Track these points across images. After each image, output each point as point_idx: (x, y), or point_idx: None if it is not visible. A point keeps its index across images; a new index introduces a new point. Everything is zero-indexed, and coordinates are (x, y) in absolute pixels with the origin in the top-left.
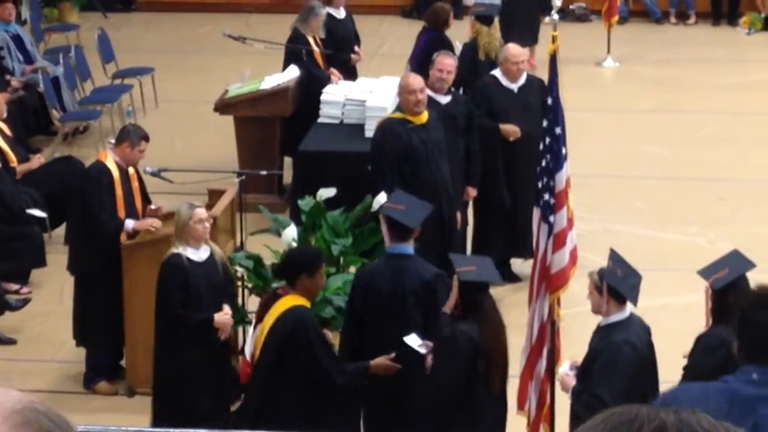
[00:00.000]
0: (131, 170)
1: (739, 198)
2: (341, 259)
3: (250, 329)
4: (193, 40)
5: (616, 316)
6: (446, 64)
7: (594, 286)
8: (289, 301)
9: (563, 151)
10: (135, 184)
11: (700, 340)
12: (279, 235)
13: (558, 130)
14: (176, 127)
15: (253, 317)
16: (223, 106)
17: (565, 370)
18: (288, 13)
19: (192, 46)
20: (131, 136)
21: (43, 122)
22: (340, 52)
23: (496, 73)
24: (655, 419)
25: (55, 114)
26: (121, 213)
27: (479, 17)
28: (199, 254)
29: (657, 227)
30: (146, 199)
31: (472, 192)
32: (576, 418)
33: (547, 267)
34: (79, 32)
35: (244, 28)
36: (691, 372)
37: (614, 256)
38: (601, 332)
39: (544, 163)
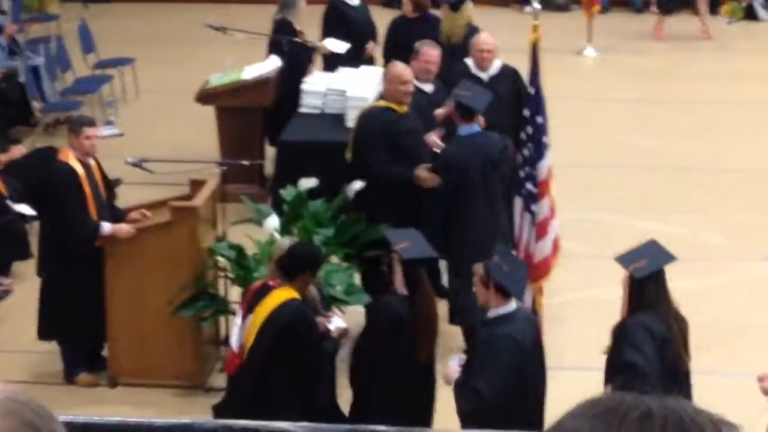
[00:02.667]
0: (92, 162)
1: (721, 187)
2: (323, 249)
3: (237, 320)
4: (173, 31)
5: (502, 310)
6: (432, 55)
7: (480, 280)
8: (284, 293)
9: (545, 140)
10: (98, 176)
11: (622, 329)
12: (261, 225)
13: (540, 120)
14: (157, 117)
15: (237, 308)
16: (205, 97)
17: (453, 363)
18: (269, 3)
19: (173, 37)
20: (72, 126)
21: (23, 113)
22: (356, 41)
23: (468, 61)
24: (640, 406)
25: (36, 105)
26: (92, 210)
27: (448, 2)
28: None
29: (638, 216)
30: (109, 189)
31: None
32: (459, 410)
33: (530, 256)
34: (60, 22)
35: (225, 19)
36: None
37: (500, 251)
38: (486, 325)
39: (526, 153)
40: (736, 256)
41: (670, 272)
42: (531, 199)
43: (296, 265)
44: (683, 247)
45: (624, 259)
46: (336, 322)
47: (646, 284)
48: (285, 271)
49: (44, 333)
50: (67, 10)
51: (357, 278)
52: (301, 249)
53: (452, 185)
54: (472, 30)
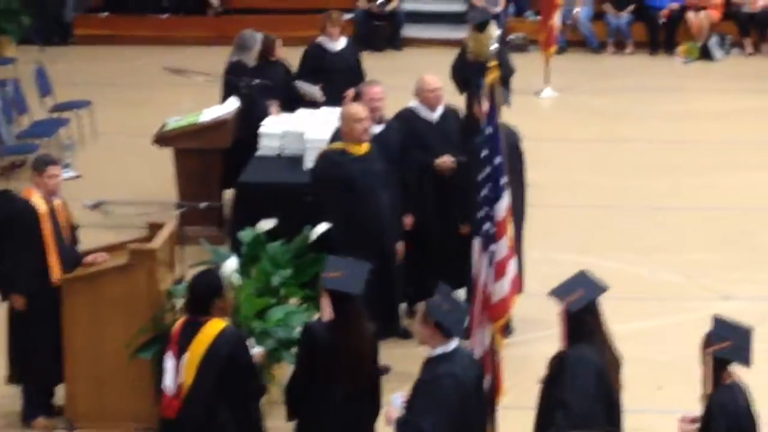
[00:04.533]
0: (58, 202)
1: (678, 226)
2: (282, 291)
3: (168, 363)
4: (131, 73)
5: (442, 349)
6: (376, 92)
7: (420, 319)
8: (216, 325)
9: (503, 180)
10: (62, 217)
11: (561, 362)
12: (219, 267)
13: (498, 160)
14: (115, 159)
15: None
16: (163, 139)
17: (395, 401)
18: (226, 45)
19: (131, 79)
20: (36, 164)
21: None
22: (336, 85)
23: (413, 104)
24: None
25: None
26: (50, 248)
27: (473, 23)
28: None
29: (598, 255)
30: (73, 231)
31: (408, 220)
32: None
33: (488, 296)
34: (16, 66)
35: (183, 61)
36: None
37: (442, 289)
38: (427, 364)
39: (484, 193)
40: (694, 294)
41: (629, 311)
42: (489, 238)
43: (202, 299)
44: (642, 286)
45: (558, 293)
46: (250, 343)
47: (583, 316)
48: (198, 310)
49: (11, 377)
50: (23, 53)
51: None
52: (197, 283)
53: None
54: (499, 49)
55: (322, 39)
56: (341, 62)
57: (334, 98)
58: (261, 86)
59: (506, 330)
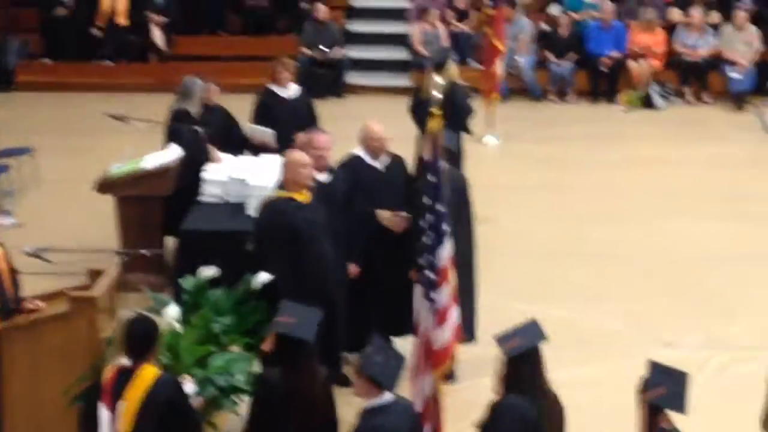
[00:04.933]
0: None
1: (623, 274)
2: (223, 338)
3: (102, 414)
4: (74, 120)
5: (377, 401)
6: (322, 141)
7: (356, 371)
8: (151, 371)
9: (445, 228)
10: (2, 264)
11: (495, 408)
12: (160, 314)
13: (440, 207)
14: (57, 206)
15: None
16: (104, 186)
17: None
18: (169, 92)
19: (73, 126)
20: None
21: None
22: (287, 131)
23: (359, 151)
24: None
25: None
26: None
27: (432, 62)
28: None
29: (542, 303)
30: (14, 278)
31: (354, 269)
32: None
33: (429, 343)
34: None
35: (125, 107)
36: None
37: (376, 341)
38: (362, 415)
39: (426, 240)
40: (636, 342)
41: (573, 359)
42: (431, 286)
43: (144, 343)
44: (586, 334)
45: (501, 339)
46: (189, 387)
47: (520, 364)
48: (136, 355)
49: None
50: None
51: (257, 367)
52: (136, 328)
53: None
54: (456, 88)
55: (273, 86)
56: (293, 109)
57: (285, 145)
58: (203, 133)
59: (450, 377)
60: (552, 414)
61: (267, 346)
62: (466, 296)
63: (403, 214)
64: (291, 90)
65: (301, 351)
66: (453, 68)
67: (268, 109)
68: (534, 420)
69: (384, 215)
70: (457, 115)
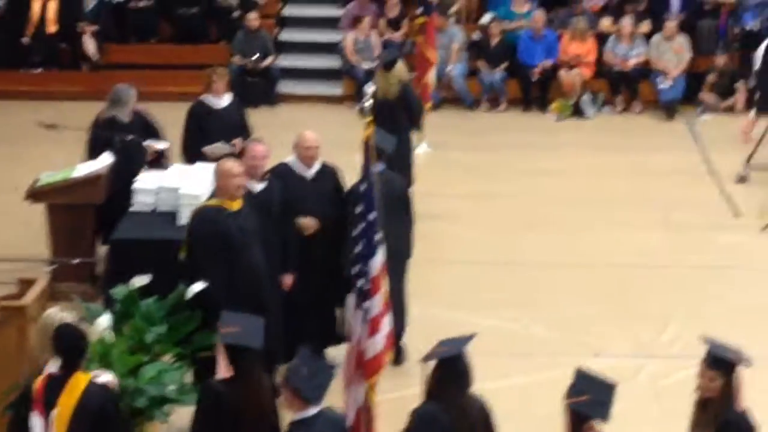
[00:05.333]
0: None
1: (550, 282)
2: (155, 348)
3: (35, 422)
4: (3, 128)
5: (303, 414)
6: (258, 151)
7: (282, 383)
8: (82, 379)
9: (377, 237)
10: None
11: (412, 415)
12: (91, 324)
13: (371, 216)
14: None
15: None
16: (35, 194)
17: None
18: (99, 101)
19: (3, 134)
20: None
21: None
22: (219, 140)
23: (289, 160)
24: None
25: None
26: None
27: (381, 61)
28: None
29: (471, 312)
30: None
31: (289, 279)
32: None
33: (361, 353)
34: None
35: (57, 116)
36: None
37: (302, 353)
38: (289, 428)
39: (358, 249)
40: (566, 350)
41: (503, 367)
42: (363, 295)
43: (75, 352)
44: (515, 342)
45: (429, 355)
46: (104, 377)
47: (441, 372)
48: (66, 362)
49: None
50: None
51: (189, 377)
52: (67, 337)
53: None
54: (405, 86)
55: (205, 96)
56: (227, 119)
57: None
58: (134, 140)
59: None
60: (478, 421)
61: (223, 371)
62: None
63: (311, 218)
64: (224, 100)
65: (247, 360)
66: (401, 67)
67: (200, 120)
68: (447, 425)
69: (301, 221)
70: (411, 113)
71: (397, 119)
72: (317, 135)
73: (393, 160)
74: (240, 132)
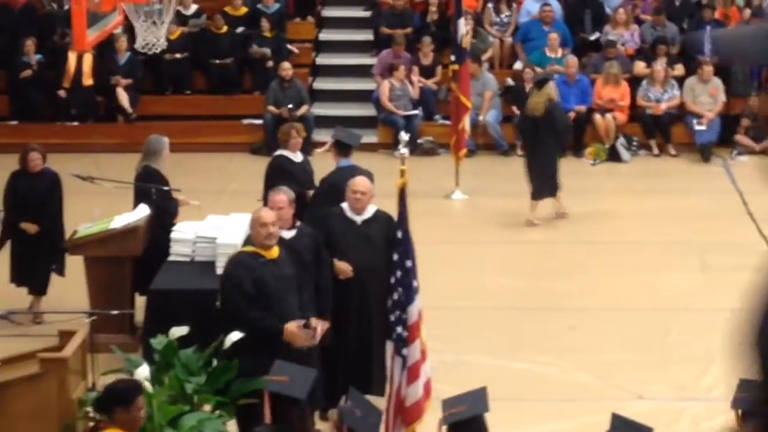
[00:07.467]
0: None
1: (589, 327)
2: (195, 398)
3: None
4: None
5: None
6: (279, 200)
7: (334, 425)
8: None
9: (414, 284)
10: None
11: None
12: (131, 375)
13: (408, 264)
14: None
15: None
16: (73, 247)
17: None
18: (136, 152)
19: None
20: None
21: None
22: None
23: (343, 204)
24: None
25: None
26: None
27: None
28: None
29: (508, 357)
30: None
31: (324, 326)
32: None
33: (401, 400)
34: None
35: (92, 168)
36: None
37: (353, 395)
38: None
39: (396, 297)
40: (608, 395)
41: (543, 413)
42: (402, 342)
43: (105, 403)
44: (556, 388)
45: (447, 403)
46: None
47: (462, 430)
48: (100, 412)
49: None
50: None
51: (230, 426)
52: (109, 386)
53: None
54: (553, 105)
55: (284, 151)
56: (304, 173)
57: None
58: (171, 191)
59: None
60: None
61: (268, 418)
62: None
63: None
64: (299, 155)
65: (293, 410)
66: (552, 86)
67: (284, 173)
68: None
69: (337, 265)
70: (556, 131)
71: (538, 135)
72: (368, 182)
73: (539, 176)
74: (308, 182)
